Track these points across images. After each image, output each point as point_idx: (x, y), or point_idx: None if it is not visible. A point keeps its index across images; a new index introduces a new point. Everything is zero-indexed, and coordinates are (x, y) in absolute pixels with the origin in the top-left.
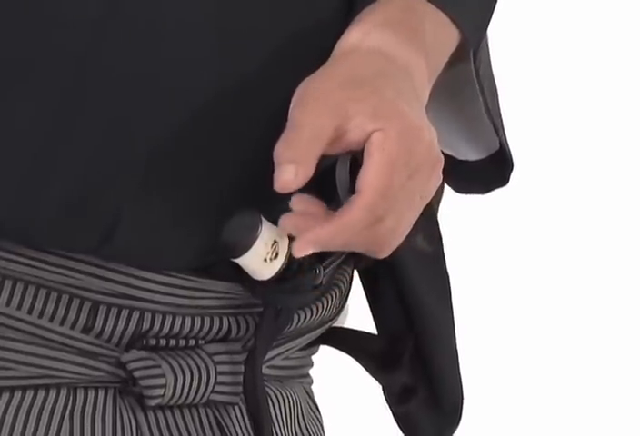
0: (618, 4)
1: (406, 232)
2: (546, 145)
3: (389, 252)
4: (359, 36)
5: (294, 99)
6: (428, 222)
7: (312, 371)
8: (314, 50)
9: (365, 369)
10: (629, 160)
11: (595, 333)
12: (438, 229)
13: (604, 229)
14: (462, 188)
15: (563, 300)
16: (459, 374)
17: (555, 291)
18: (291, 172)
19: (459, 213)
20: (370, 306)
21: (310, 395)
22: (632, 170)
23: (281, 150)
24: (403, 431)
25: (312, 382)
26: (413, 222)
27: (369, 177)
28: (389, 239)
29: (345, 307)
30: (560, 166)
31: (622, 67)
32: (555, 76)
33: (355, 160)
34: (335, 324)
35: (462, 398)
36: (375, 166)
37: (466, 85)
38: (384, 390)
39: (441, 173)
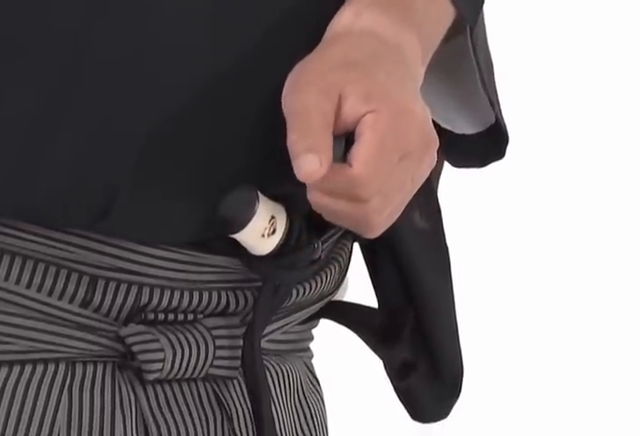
0: (618, 4)
1: (397, 214)
2: (547, 132)
3: (378, 233)
4: (351, 17)
5: (287, 83)
6: (426, 198)
7: (312, 345)
8: (308, 31)
9: (365, 343)
10: (628, 152)
11: (592, 316)
12: (437, 205)
13: (603, 218)
14: (458, 162)
15: (563, 282)
16: (459, 347)
17: (556, 272)
18: (315, 161)
19: (459, 190)
20: (371, 279)
21: (310, 369)
22: (631, 162)
23: (295, 139)
24: (404, 405)
25: (312, 356)
26: (404, 204)
27: (358, 153)
28: (376, 220)
29: (345, 280)
30: (561, 152)
31: (620, 60)
32: (556, 69)
33: (349, 141)
34: (334, 298)
35: (462, 371)
36: (364, 145)
37: (463, 59)
38: (384, 364)
39: (435, 154)
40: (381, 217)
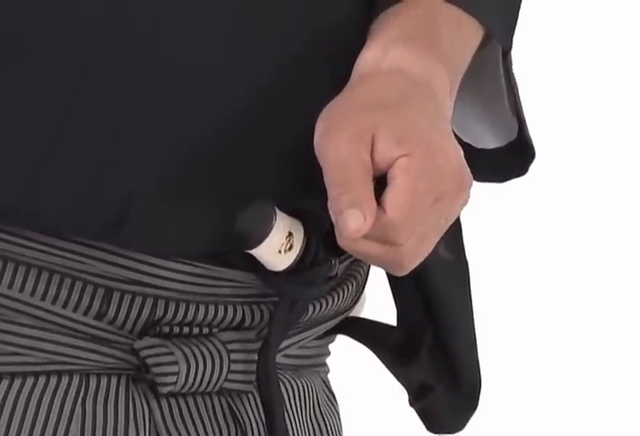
0: (618, 3)
1: (427, 253)
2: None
3: (407, 272)
4: (378, 54)
5: (317, 125)
6: (453, 232)
7: (329, 361)
8: (328, 50)
9: (381, 360)
10: (633, 156)
11: (600, 324)
12: (461, 235)
13: (610, 222)
14: (479, 177)
15: (573, 290)
16: (477, 360)
17: (569, 281)
18: (359, 216)
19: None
20: (393, 294)
21: (327, 384)
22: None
23: (337, 195)
24: (421, 418)
25: (329, 371)
26: (435, 244)
27: (392, 198)
28: (409, 261)
29: (363, 296)
30: (568, 160)
31: (623, 59)
32: (561, 74)
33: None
34: (352, 313)
35: (480, 383)
36: (398, 189)
37: (486, 72)
38: (402, 385)
39: (469, 194)
40: (415, 257)
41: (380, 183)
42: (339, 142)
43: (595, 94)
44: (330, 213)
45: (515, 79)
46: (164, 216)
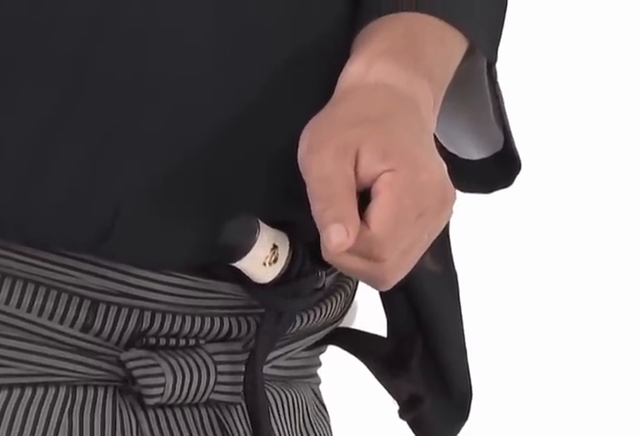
0: (618, 4)
1: (410, 269)
2: (544, 145)
3: (390, 287)
4: (361, 69)
5: (301, 140)
6: (440, 244)
7: (320, 371)
8: (314, 64)
9: (371, 371)
10: (630, 160)
11: (595, 330)
12: (449, 247)
13: (605, 227)
14: (465, 188)
15: (566, 296)
16: (468, 369)
17: (559, 286)
18: (342, 231)
19: (463, 210)
20: (383, 305)
21: (317, 395)
22: (634, 170)
23: (321, 209)
24: (412, 430)
25: (319, 382)
26: (418, 259)
27: (375, 213)
28: (391, 277)
29: (354, 306)
30: (560, 164)
31: (622, 67)
32: (556, 77)
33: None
34: (343, 324)
35: (471, 392)
36: (381, 204)
37: (471, 82)
38: (392, 396)
39: (452, 210)
40: (397, 272)
41: (363, 197)
42: (323, 157)
43: (582, 103)
44: (318, 226)
45: (500, 90)
46: (149, 229)
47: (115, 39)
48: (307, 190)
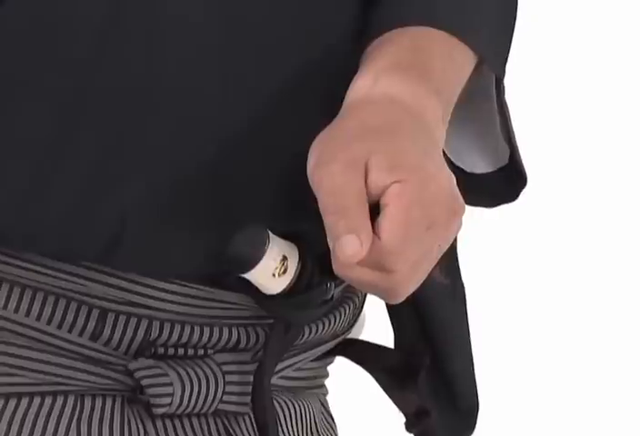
0: (618, 4)
1: (421, 281)
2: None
3: (401, 299)
4: (369, 83)
5: (310, 154)
6: (448, 257)
7: (327, 382)
8: (322, 77)
9: (378, 383)
10: (631, 164)
11: (603, 343)
12: (457, 260)
13: (611, 242)
14: (470, 201)
15: (572, 309)
16: (474, 380)
17: (565, 298)
18: (355, 242)
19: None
20: (390, 317)
21: (325, 406)
22: (634, 174)
23: (333, 221)
24: None
25: (327, 393)
26: (429, 270)
27: (385, 225)
28: (403, 287)
29: (362, 318)
30: (566, 178)
31: (622, 70)
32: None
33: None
34: (350, 335)
35: (477, 402)
36: (391, 216)
37: (477, 95)
38: (399, 409)
39: (462, 221)
40: (408, 286)
41: (372, 210)
42: (334, 171)
43: (590, 118)
44: (328, 239)
45: (506, 104)
46: (157, 240)
47: (118, 54)
48: (319, 203)
